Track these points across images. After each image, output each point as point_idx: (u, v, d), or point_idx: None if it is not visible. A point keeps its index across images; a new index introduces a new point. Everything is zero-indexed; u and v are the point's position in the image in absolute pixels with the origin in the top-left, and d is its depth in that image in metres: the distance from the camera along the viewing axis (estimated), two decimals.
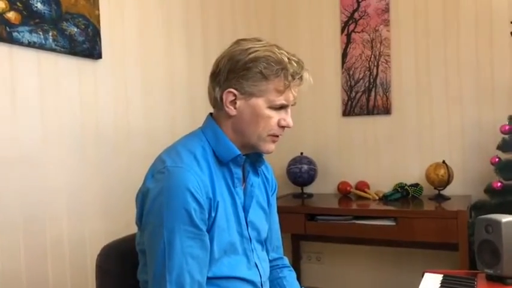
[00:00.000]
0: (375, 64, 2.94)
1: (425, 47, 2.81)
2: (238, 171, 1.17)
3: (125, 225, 1.73)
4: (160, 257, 1.03)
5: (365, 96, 2.97)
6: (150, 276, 1.06)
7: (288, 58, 1.11)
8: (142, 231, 1.10)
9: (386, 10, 2.90)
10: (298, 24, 3.15)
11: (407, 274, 2.79)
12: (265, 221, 1.28)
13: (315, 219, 2.57)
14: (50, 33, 1.65)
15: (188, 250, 1.03)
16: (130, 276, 1.19)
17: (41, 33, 1.62)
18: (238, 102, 1.12)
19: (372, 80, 2.95)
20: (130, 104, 2.05)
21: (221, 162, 1.14)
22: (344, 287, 3.07)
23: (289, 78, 1.11)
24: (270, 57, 1.10)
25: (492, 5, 2.64)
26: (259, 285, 1.20)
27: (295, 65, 1.12)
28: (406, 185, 2.73)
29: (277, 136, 1.16)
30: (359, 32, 2.98)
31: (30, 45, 1.59)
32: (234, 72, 1.11)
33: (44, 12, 1.63)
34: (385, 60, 2.91)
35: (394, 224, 2.39)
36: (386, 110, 2.92)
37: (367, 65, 2.96)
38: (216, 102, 1.15)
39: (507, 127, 2.30)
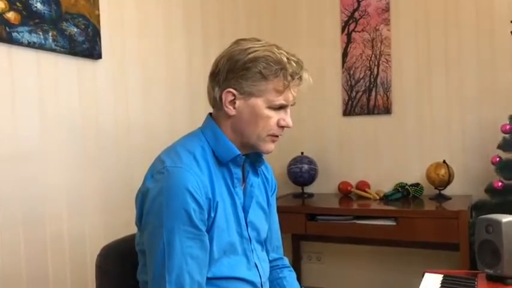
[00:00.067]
0: (376, 64, 2.94)
1: (425, 46, 2.81)
2: (237, 172, 1.17)
3: (125, 220, 1.73)
4: (160, 258, 1.03)
5: (365, 95, 2.97)
6: (149, 277, 1.06)
7: (287, 58, 1.11)
8: (142, 232, 1.10)
9: (387, 9, 2.89)
10: (299, 24, 3.14)
11: (407, 274, 2.77)
12: (265, 221, 1.28)
13: (315, 219, 2.57)
14: (50, 34, 1.65)
15: (188, 250, 1.03)
16: (130, 276, 1.19)
17: (40, 33, 1.62)
18: (238, 102, 1.12)
19: (372, 80, 2.95)
20: (130, 104, 2.05)
21: (221, 162, 1.14)
22: (344, 287, 3.07)
23: (289, 78, 1.10)
24: (269, 57, 1.09)
25: (493, 3, 2.63)
26: (259, 285, 1.19)
27: (294, 65, 1.11)
28: (406, 184, 2.73)
29: (277, 136, 1.16)
30: (359, 32, 2.98)
31: (30, 45, 1.59)
32: (233, 72, 1.10)
33: (44, 12, 1.63)
34: (386, 59, 2.91)
35: (394, 224, 2.39)
36: (387, 110, 2.92)
37: (368, 65, 2.96)
38: (216, 102, 1.15)
39: (508, 126, 2.30)
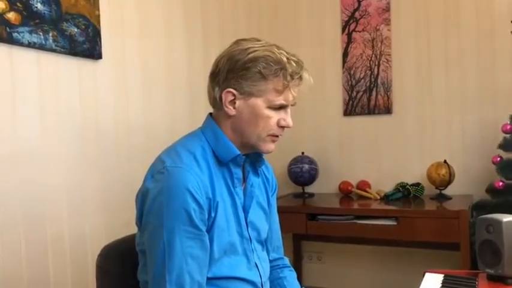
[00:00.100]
0: (376, 63, 2.94)
1: (426, 46, 2.81)
2: (238, 172, 1.17)
3: (125, 220, 1.73)
4: (160, 257, 1.03)
5: (366, 95, 2.97)
6: (150, 277, 1.06)
7: (287, 58, 1.11)
8: (142, 232, 1.10)
9: (387, 9, 2.89)
10: (299, 24, 3.14)
11: (408, 274, 2.77)
12: (266, 221, 1.28)
13: (316, 219, 2.57)
14: (50, 34, 1.65)
15: (188, 250, 1.03)
16: (130, 276, 1.19)
17: (41, 33, 1.62)
18: (238, 102, 1.12)
19: (373, 80, 2.95)
20: (131, 104, 2.05)
21: (221, 162, 1.14)
22: (345, 287, 3.07)
23: (288, 78, 1.10)
24: (269, 57, 1.09)
25: (493, 3, 2.63)
26: (259, 285, 1.19)
27: (294, 64, 1.11)
28: (407, 184, 2.73)
29: (277, 136, 1.16)
30: (360, 32, 2.97)
31: (30, 45, 1.59)
32: (233, 72, 1.10)
33: (44, 13, 1.64)
34: (386, 59, 2.91)
35: (395, 223, 2.39)
36: (388, 110, 2.92)
37: (368, 65, 2.96)
38: (216, 102, 1.15)
39: (508, 126, 2.30)
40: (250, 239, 1.19)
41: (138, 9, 2.09)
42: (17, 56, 1.57)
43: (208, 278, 1.09)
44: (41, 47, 1.63)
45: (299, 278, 1.42)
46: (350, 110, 3.02)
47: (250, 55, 1.09)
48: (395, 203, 2.61)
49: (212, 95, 1.16)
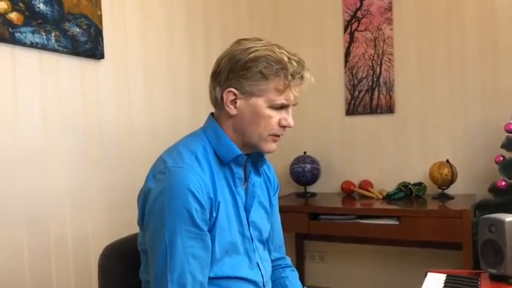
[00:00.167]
0: (378, 63, 2.93)
1: (428, 46, 2.80)
2: (239, 171, 1.17)
3: (127, 220, 1.73)
4: (162, 257, 1.03)
5: (368, 95, 2.96)
6: (151, 276, 1.06)
7: (288, 57, 1.11)
8: (144, 231, 1.10)
9: (389, 9, 2.89)
10: (301, 23, 3.14)
11: (410, 273, 2.76)
12: (267, 220, 1.28)
13: (318, 219, 2.57)
14: (53, 34, 1.66)
15: (190, 250, 1.03)
16: (132, 276, 1.19)
17: (43, 33, 1.62)
18: (239, 102, 1.12)
19: (375, 79, 2.94)
20: (133, 103, 2.05)
21: (222, 162, 1.14)
22: (347, 286, 3.06)
23: (289, 77, 1.10)
24: (270, 56, 1.09)
25: (495, 3, 2.62)
26: (261, 285, 1.20)
27: (295, 64, 1.11)
28: (409, 184, 2.72)
29: (278, 136, 1.16)
30: (362, 31, 2.97)
31: (33, 45, 1.59)
32: (234, 71, 1.10)
33: (46, 13, 1.64)
34: (388, 59, 2.90)
35: (397, 223, 2.38)
36: (390, 109, 2.91)
37: (370, 64, 2.95)
38: (217, 102, 1.15)
39: (511, 126, 2.29)
40: (251, 238, 1.19)
41: (140, 9, 2.10)
42: (19, 56, 1.57)
43: (210, 278, 1.09)
44: (43, 47, 1.63)
45: (301, 278, 1.42)
46: (352, 109, 3.01)
47: (251, 55, 1.09)
48: (397, 202, 2.60)
49: (213, 94, 1.16)
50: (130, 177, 1.96)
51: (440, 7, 2.76)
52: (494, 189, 2.36)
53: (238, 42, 1.15)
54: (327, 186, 3.04)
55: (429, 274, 1.46)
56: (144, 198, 1.09)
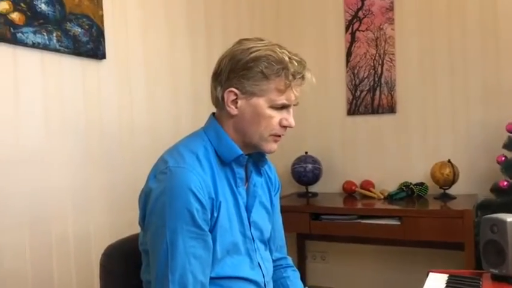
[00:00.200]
0: (380, 63, 2.93)
1: (430, 45, 2.79)
2: (240, 171, 1.17)
3: (129, 220, 1.74)
4: (163, 257, 1.03)
5: (370, 95, 2.96)
6: (152, 276, 1.06)
7: (289, 57, 1.11)
8: (145, 232, 1.10)
9: (391, 8, 2.88)
10: (302, 23, 3.14)
11: (412, 273, 2.77)
12: (268, 221, 1.28)
13: (319, 219, 2.57)
14: (54, 34, 1.66)
15: (191, 250, 1.03)
16: (133, 276, 1.19)
17: (45, 33, 1.62)
18: (240, 102, 1.12)
19: (376, 79, 2.94)
20: (135, 103, 2.06)
21: (223, 162, 1.14)
22: (349, 286, 3.06)
23: (290, 77, 1.10)
24: (270, 56, 1.09)
25: (497, 2, 2.62)
26: (262, 285, 1.20)
27: (296, 64, 1.11)
28: (411, 184, 2.72)
29: (279, 136, 1.16)
30: (363, 31, 2.97)
31: (34, 46, 1.59)
32: (235, 71, 1.10)
33: (48, 13, 1.64)
34: (390, 58, 2.90)
35: (399, 223, 2.38)
36: (391, 109, 2.91)
37: (372, 64, 2.95)
38: (218, 102, 1.15)
39: None
40: (253, 238, 1.19)
41: (142, 9, 2.10)
42: (21, 56, 1.57)
43: (211, 278, 1.09)
44: (44, 47, 1.63)
45: (303, 278, 1.42)
46: (354, 109, 3.01)
47: (252, 55, 1.09)
48: (399, 202, 2.60)
49: (214, 94, 1.16)
50: (132, 177, 1.96)
51: (441, 7, 2.75)
52: (496, 189, 2.36)
53: (240, 42, 1.15)
54: (328, 186, 3.04)
55: (431, 274, 1.46)
56: (145, 198, 1.09)
